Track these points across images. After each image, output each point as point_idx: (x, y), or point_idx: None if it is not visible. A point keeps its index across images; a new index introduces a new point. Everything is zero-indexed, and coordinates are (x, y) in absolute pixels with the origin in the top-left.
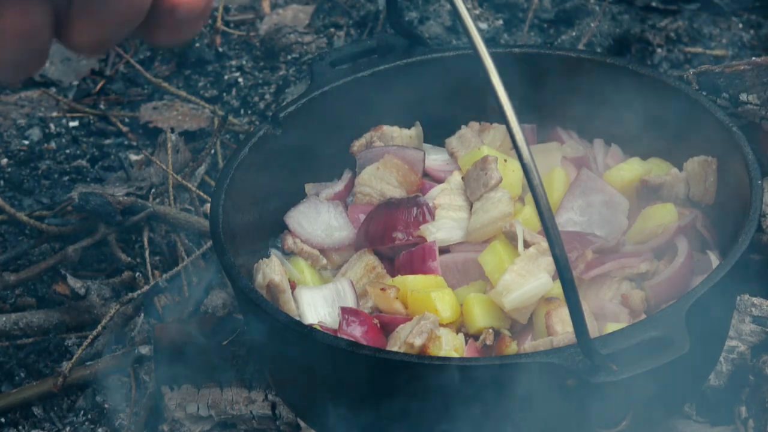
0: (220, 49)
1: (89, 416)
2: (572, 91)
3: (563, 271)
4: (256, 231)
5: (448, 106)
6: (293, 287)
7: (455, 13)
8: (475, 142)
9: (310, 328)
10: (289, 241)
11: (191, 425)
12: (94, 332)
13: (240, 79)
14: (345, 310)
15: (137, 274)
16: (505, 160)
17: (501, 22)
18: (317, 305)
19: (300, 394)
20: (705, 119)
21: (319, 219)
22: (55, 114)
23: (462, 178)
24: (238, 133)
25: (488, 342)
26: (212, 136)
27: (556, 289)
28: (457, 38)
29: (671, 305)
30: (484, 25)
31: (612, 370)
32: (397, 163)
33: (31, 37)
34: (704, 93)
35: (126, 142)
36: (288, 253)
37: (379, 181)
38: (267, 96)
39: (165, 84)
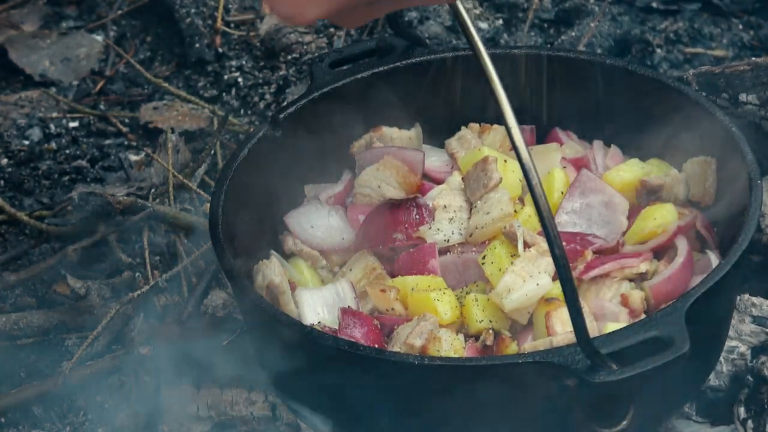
0: (220, 49)
1: (89, 416)
2: (572, 92)
3: (563, 272)
4: (256, 232)
5: (448, 107)
6: (293, 288)
7: (455, 14)
8: (474, 143)
9: (310, 329)
10: (289, 242)
11: (191, 425)
12: (94, 332)
13: (240, 79)
14: (345, 311)
15: (137, 274)
16: (505, 161)
17: (501, 22)
18: (317, 306)
19: (300, 396)
20: (705, 119)
21: (319, 220)
22: (55, 114)
23: (462, 178)
24: (238, 133)
25: (488, 342)
26: (212, 136)
27: (556, 289)
28: (457, 38)
29: (671, 305)
30: (484, 25)
31: (612, 370)
32: (397, 164)
33: None
34: (704, 93)
35: (126, 143)
36: (288, 254)
37: (379, 182)
38: (267, 96)
39: (165, 84)
